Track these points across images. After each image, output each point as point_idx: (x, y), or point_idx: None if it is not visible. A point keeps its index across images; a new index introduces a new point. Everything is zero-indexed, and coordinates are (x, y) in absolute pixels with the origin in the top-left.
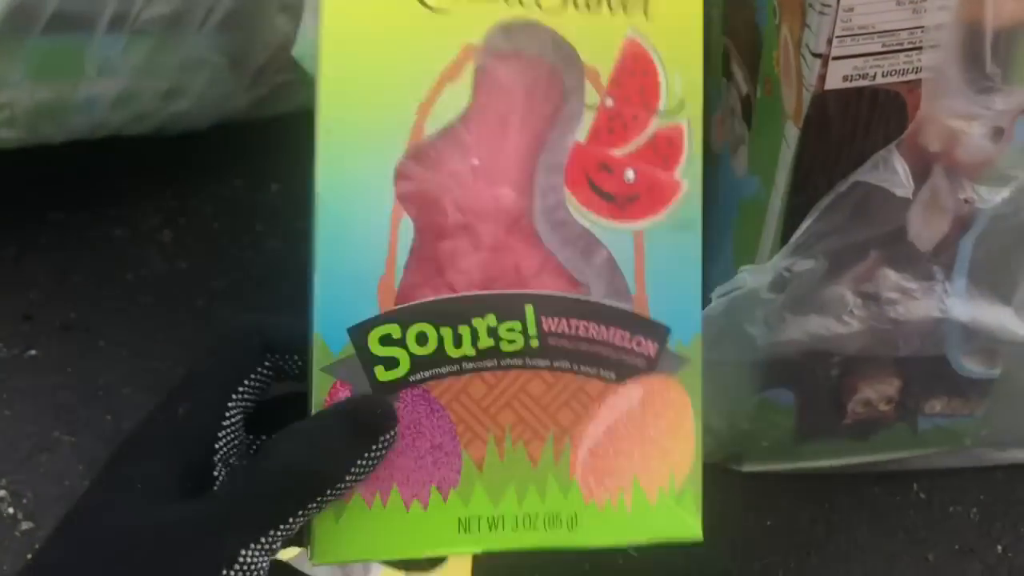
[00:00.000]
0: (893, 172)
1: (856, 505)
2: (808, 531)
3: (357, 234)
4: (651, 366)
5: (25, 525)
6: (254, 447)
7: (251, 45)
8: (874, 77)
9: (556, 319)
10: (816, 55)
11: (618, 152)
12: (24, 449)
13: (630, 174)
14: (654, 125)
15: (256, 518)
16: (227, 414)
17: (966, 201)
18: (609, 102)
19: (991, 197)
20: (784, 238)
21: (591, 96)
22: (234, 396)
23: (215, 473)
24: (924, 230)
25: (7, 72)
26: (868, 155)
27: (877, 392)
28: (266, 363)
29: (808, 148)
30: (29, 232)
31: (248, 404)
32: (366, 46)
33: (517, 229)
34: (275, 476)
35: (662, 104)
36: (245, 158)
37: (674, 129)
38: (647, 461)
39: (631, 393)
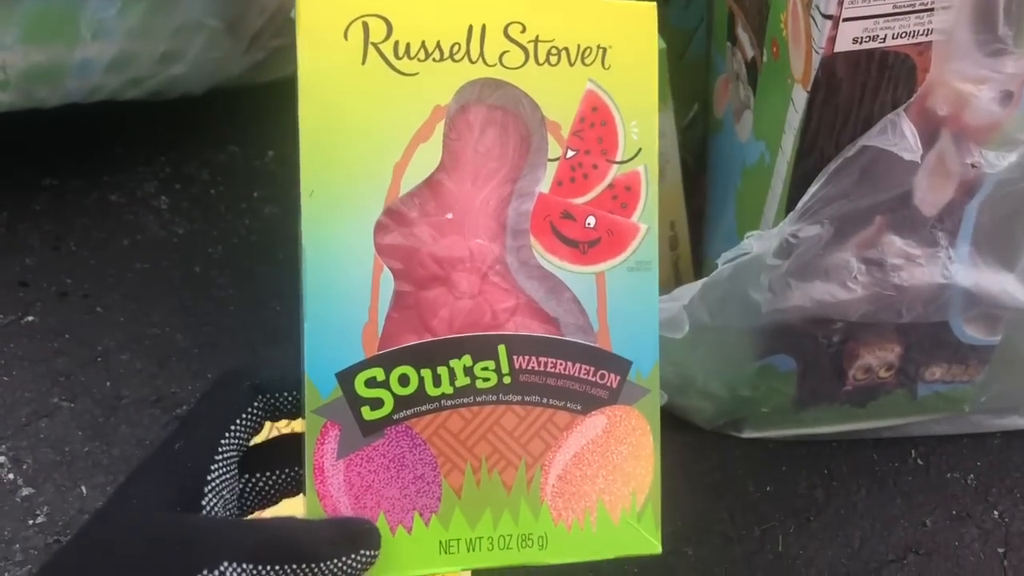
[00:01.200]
0: (902, 136)
1: (855, 471)
2: (807, 496)
3: (342, 286)
4: (614, 397)
5: (25, 491)
6: (249, 482)
7: (248, 9)
8: (884, 39)
9: (527, 357)
10: (827, 16)
11: (579, 200)
12: (23, 415)
13: (591, 220)
14: (613, 173)
15: (243, 545)
16: (220, 450)
17: (973, 166)
18: (570, 154)
19: (998, 162)
20: (790, 204)
21: (553, 149)
22: (227, 434)
23: (204, 503)
24: (929, 195)
25: (0, 35)
26: (876, 119)
27: (878, 358)
28: (256, 403)
29: (816, 112)
30: (24, 198)
31: (241, 441)
32: (343, 113)
33: (492, 275)
34: (269, 527)
35: (620, 153)
36: (242, 123)
37: (632, 175)
38: (611, 484)
39: (596, 423)
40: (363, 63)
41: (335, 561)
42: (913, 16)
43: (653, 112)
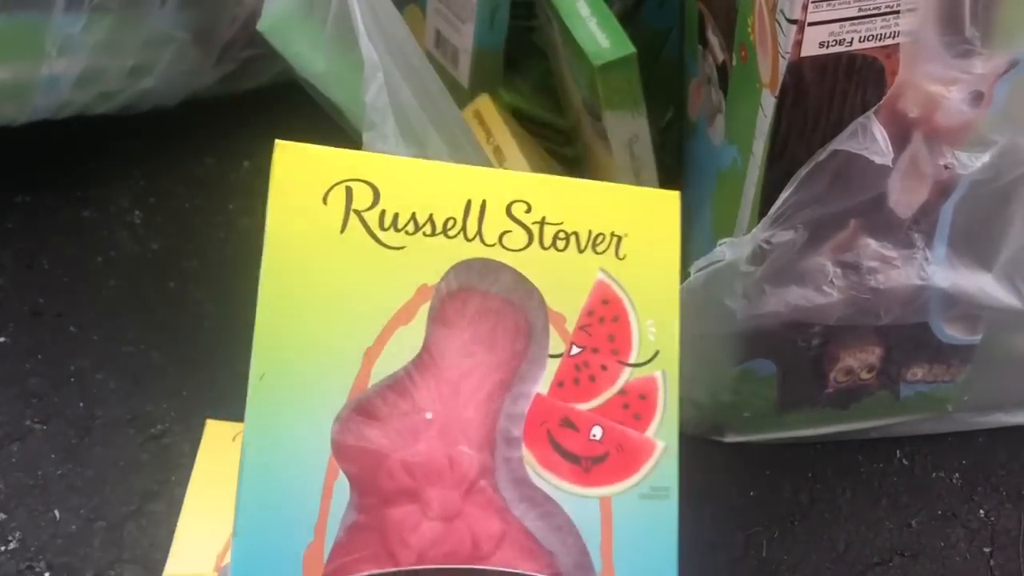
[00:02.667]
0: (872, 139)
1: (839, 473)
2: (791, 500)
3: (286, 494)
4: None
5: None
6: None
7: (216, 20)
8: (851, 43)
9: None
10: (791, 21)
11: (583, 407)
12: None
13: (597, 432)
14: (625, 376)
15: None
16: None
17: (946, 167)
18: (575, 351)
19: (971, 162)
20: (763, 209)
21: (555, 343)
22: None
23: None
24: (904, 197)
25: None
26: (846, 123)
27: (859, 361)
28: None
29: (785, 117)
30: None
31: None
32: (312, 286)
33: (476, 492)
34: None
35: (634, 354)
36: (215, 135)
37: (647, 381)
38: None
39: None
40: (342, 232)
41: None
42: (879, 19)
43: (674, 311)
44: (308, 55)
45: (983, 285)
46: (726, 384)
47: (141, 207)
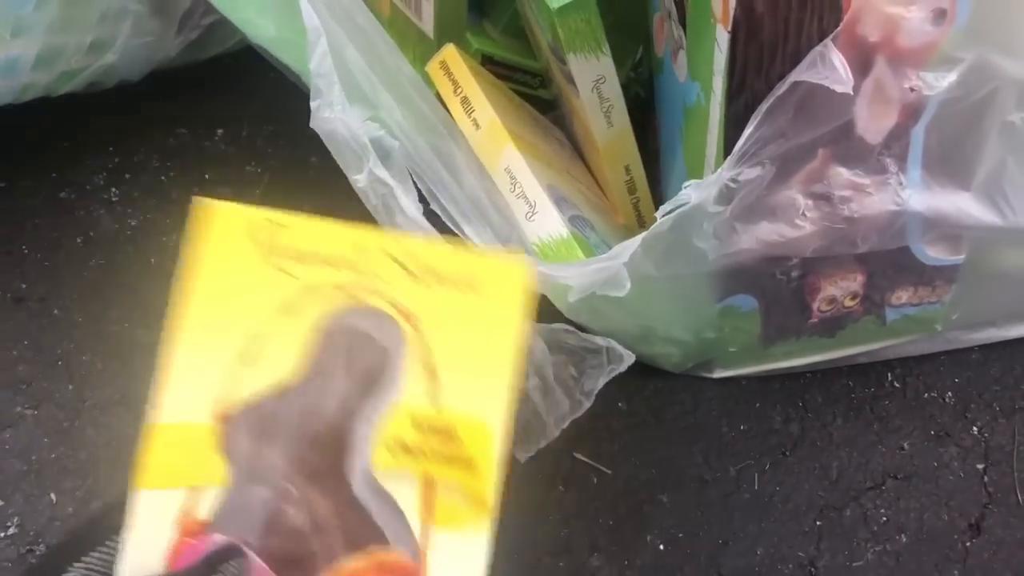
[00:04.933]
0: (832, 68)
1: (829, 400)
2: (782, 431)
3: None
4: None
5: None
6: None
7: None
8: None
9: None
10: None
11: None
12: None
13: None
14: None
15: None
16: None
17: (912, 90)
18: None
19: (938, 83)
20: (727, 147)
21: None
22: (75, 564)
23: None
24: (872, 123)
25: None
26: (804, 53)
27: (841, 289)
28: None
29: (740, 52)
30: None
31: (94, 571)
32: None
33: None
34: None
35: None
36: (186, 106)
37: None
38: None
39: None
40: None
41: None
42: None
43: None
44: (257, 21)
45: (961, 205)
46: (708, 322)
47: (117, 184)
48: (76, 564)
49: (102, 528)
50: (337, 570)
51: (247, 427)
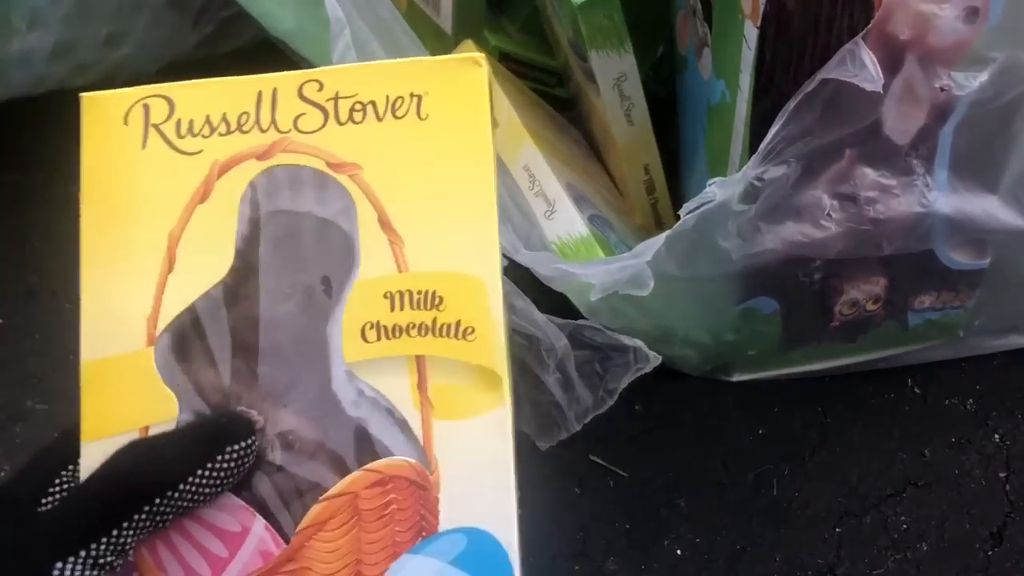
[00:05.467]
0: (862, 66)
1: (849, 406)
2: (801, 436)
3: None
4: None
5: None
6: None
7: None
8: None
9: None
10: None
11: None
12: None
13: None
14: None
15: (73, 532)
16: (55, 484)
17: (942, 89)
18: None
19: (968, 83)
20: (753, 144)
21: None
22: (63, 473)
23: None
24: (900, 123)
25: None
26: (834, 50)
27: (863, 292)
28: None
29: (769, 48)
30: None
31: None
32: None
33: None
34: (97, 487)
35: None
36: None
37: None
38: None
39: None
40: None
41: (200, 474)
42: None
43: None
44: (276, 13)
45: (988, 208)
46: (729, 324)
47: None
48: (63, 473)
49: None
50: (329, 501)
51: (188, 347)
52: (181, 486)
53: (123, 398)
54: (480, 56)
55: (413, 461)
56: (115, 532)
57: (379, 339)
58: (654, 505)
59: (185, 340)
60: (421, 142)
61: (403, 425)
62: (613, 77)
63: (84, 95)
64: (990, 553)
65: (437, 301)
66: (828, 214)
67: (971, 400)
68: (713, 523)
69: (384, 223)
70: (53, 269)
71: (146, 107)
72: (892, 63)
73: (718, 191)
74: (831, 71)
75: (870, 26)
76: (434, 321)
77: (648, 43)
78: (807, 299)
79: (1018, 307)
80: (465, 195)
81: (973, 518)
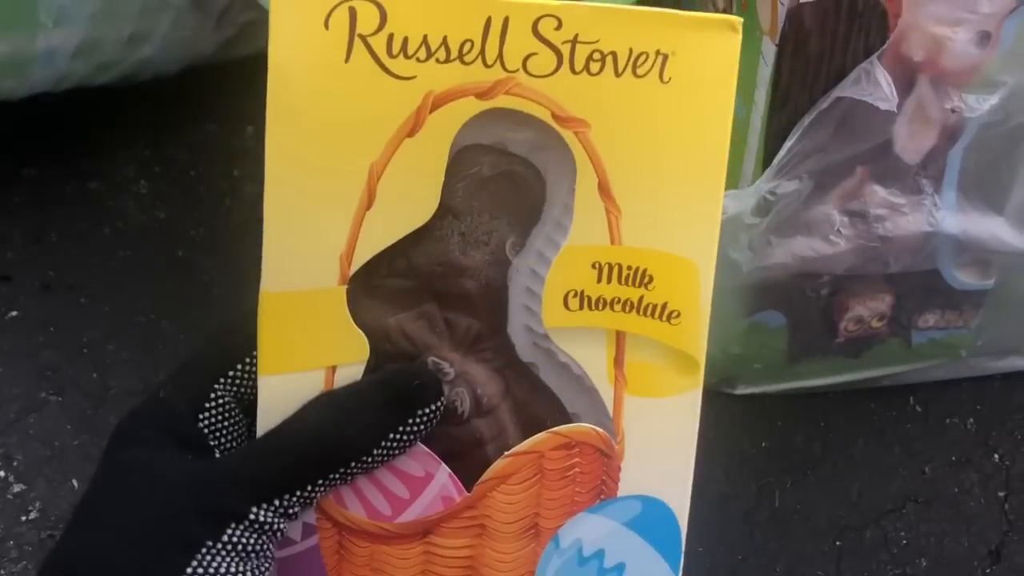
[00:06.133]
0: (876, 85)
1: (852, 422)
2: (804, 450)
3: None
4: None
5: (17, 487)
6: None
7: None
8: None
9: None
10: None
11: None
12: (11, 411)
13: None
14: None
15: (272, 480)
16: (212, 395)
17: (953, 111)
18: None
19: (979, 105)
20: (767, 159)
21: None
22: (221, 380)
23: (207, 441)
24: (911, 143)
25: None
26: (849, 69)
27: (869, 309)
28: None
29: (786, 65)
30: (2, 190)
31: (242, 390)
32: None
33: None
34: (297, 440)
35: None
36: (218, 101)
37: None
38: None
39: None
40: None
41: (392, 437)
42: None
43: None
44: None
45: (994, 229)
46: (735, 337)
47: (147, 176)
48: (222, 380)
49: (242, 338)
50: (514, 457)
51: (382, 289)
52: (375, 451)
53: (310, 335)
54: (737, 20)
55: (601, 431)
56: (309, 487)
57: (581, 308)
58: None
59: (380, 282)
60: (659, 107)
61: (592, 393)
62: None
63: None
64: (988, 571)
65: (647, 280)
66: (838, 230)
67: (971, 420)
68: (715, 533)
69: (603, 189)
70: (69, 263)
71: (352, 11)
72: (905, 83)
73: (731, 204)
74: (846, 89)
75: (885, 46)
76: (640, 299)
77: None
78: (814, 314)
79: (1020, 329)
80: (694, 173)
81: (972, 536)
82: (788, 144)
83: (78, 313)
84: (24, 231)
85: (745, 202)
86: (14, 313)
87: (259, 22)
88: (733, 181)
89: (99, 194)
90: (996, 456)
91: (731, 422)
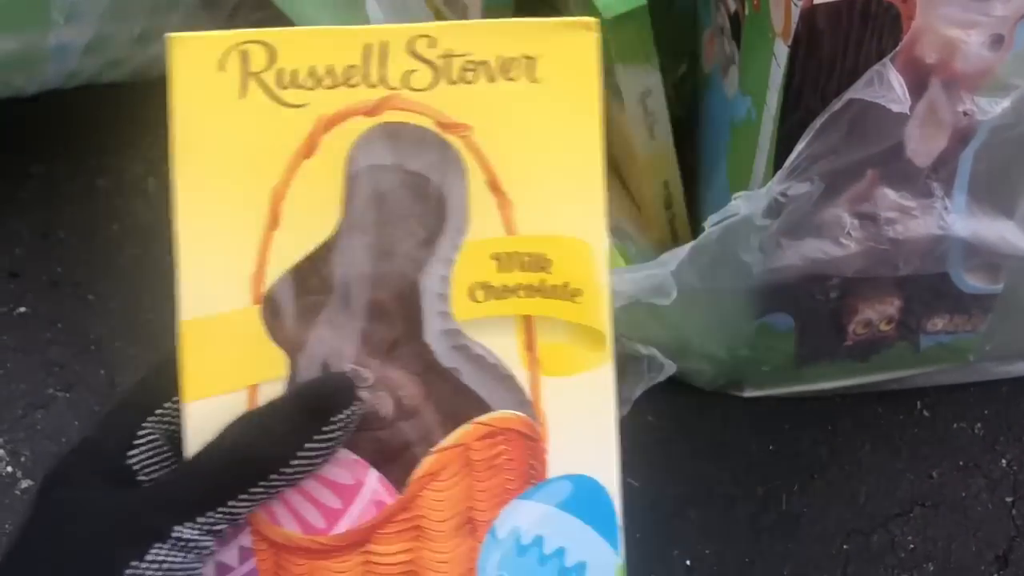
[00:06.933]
0: (889, 87)
1: (859, 425)
2: (811, 453)
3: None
4: None
5: (24, 483)
6: None
7: None
8: None
9: None
10: None
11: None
12: (19, 407)
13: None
14: None
15: (192, 498)
16: (141, 433)
17: (965, 114)
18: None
19: (991, 108)
20: (778, 161)
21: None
22: (150, 419)
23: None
24: (922, 146)
25: None
26: (862, 71)
27: (877, 312)
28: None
29: (799, 66)
30: (10, 187)
31: (172, 426)
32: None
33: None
34: (216, 458)
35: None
36: None
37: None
38: None
39: None
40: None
41: (309, 446)
42: None
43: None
44: (313, 15)
45: (1004, 233)
46: (745, 339)
47: (155, 174)
48: (150, 419)
49: (171, 375)
50: (441, 453)
51: (295, 305)
52: (293, 461)
53: (229, 357)
54: (592, 20)
55: (522, 415)
56: (230, 503)
57: (488, 299)
58: (664, 515)
59: (292, 298)
60: (532, 105)
61: (508, 380)
62: (639, 91)
63: (171, 36)
64: None
65: (545, 263)
66: (848, 232)
67: (979, 424)
68: (722, 535)
69: (493, 185)
70: (77, 260)
71: (244, 53)
72: (918, 86)
73: (742, 205)
74: (859, 91)
75: (898, 48)
76: (542, 283)
77: (671, 62)
78: (822, 317)
79: None
80: (574, 160)
81: (979, 541)
82: (800, 146)
83: (86, 310)
84: (32, 228)
85: (757, 204)
86: (22, 309)
87: (272, 19)
88: (744, 183)
89: (107, 192)
90: (1004, 461)
91: (738, 425)
